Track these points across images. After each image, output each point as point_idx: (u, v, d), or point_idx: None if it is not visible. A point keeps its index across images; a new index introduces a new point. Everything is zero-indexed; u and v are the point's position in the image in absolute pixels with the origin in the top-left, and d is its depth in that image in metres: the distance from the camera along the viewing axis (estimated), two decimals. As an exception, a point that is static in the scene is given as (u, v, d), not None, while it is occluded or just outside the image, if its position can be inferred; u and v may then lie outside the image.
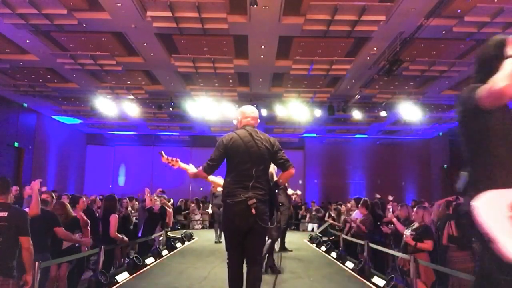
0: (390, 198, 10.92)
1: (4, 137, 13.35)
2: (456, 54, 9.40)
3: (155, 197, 8.51)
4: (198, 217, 13.70)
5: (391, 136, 19.07)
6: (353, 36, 8.47)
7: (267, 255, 5.82)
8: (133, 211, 9.17)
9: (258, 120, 3.58)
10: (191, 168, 3.53)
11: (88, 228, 6.14)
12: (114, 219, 6.06)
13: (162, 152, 3.66)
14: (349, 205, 9.99)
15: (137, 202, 9.91)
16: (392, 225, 6.79)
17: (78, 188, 17.75)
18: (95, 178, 18.86)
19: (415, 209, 5.76)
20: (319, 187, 19.66)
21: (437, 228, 5.80)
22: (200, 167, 3.40)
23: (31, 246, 3.29)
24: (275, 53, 9.56)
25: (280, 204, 7.61)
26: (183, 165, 3.56)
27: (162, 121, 16.70)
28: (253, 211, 3.13)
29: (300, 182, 19.46)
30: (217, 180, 3.72)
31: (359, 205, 7.95)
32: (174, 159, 3.60)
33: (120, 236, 6.18)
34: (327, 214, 12.16)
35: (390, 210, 8.53)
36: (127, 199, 8.77)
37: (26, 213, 3.41)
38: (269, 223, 3.32)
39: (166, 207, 8.52)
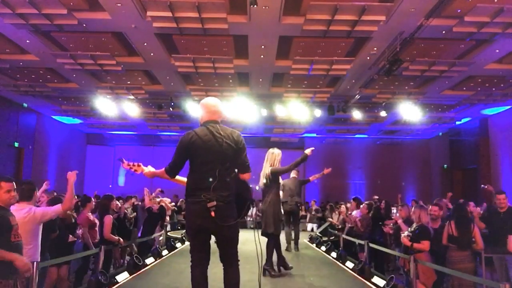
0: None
1: (4, 137, 13.35)
2: (456, 54, 9.39)
3: (154, 197, 8.51)
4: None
5: (391, 136, 19.06)
6: (353, 36, 8.47)
7: (277, 255, 5.81)
8: (134, 212, 9.17)
9: (222, 114, 3.36)
10: (150, 169, 3.42)
11: (96, 229, 6.16)
12: (108, 220, 6.03)
13: (123, 158, 3.45)
14: (348, 205, 10.00)
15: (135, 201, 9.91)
16: (392, 225, 6.79)
17: (78, 188, 17.73)
18: (95, 178, 18.86)
19: (413, 209, 5.76)
20: (319, 187, 19.65)
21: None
22: (163, 169, 3.28)
23: None
24: (275, 53, 9.55)
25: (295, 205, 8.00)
26: (146, 169, 3.42)
27: (162, 121, 16.70)
28: (212, 213, 2.99)
29: (300, 182, 19.41)
30: (184, 179, 3.51)
31: (362, 205, 7.98)
32: (135, 164, 3.44)
33: (116, 237, 6.15)
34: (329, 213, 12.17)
35: (394, 211, 8.52)
36: (117, 202, 8.72)
37: None
38: (234, 220, 3.11)
39: (165, 206, 8.54)
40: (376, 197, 9.93)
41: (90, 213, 6.12)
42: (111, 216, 6.11)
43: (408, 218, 6.06)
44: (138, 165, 3.43)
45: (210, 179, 3.04)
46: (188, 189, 3.15)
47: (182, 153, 3.18)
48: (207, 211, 2.99)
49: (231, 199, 3.12)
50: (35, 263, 3.62)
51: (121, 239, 6.28)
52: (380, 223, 7.28)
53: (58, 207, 3.98)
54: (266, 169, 5.78)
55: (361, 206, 8.08)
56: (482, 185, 8.12)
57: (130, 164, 3.42)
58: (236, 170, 3.23)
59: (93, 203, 6.39)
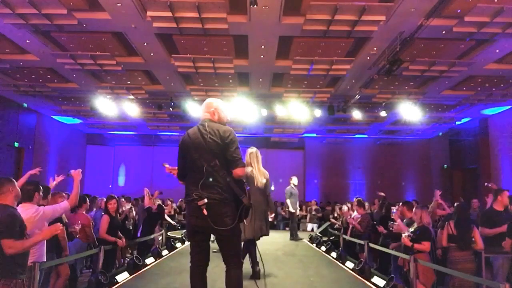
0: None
1: (4, 137, 13.35)
2: (456, 54, 9.40)
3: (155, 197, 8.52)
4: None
5: (391, 136, 19.06)
6: (353, 36, 8.47)
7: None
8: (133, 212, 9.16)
9: (218, 113, 3.30)
10: None
11: (91, 228, 6.17)
12: (104, 219, 6.01)
13: (165, 164, 3.53)
14: (349, 205, 9.98)
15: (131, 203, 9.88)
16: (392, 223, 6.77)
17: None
18: (95, 178, 18.86)
19: (413, 209, 5.76)
20: (319, 187, 19.66)
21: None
22: None
23: (12, 249, 3.02)
24: (275, 53, 9.55)
25: None
26: None
27: (162, 121, 16.70)
28: (204, 212, 2.94)
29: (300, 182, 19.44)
30: None
31: (356, 205, 7.97)
32: (174, 168, 3.48)
33: (113, 238, 6.07)
34: (334, 214, 12.18)
35: (394, 210, 8.52)
36: (124, 199, 8.76)
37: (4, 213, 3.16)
38: (231, 223, 3.02)
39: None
40: (383, 194, 9.84)
41: (84, 213, 6.12)
42: (107, 215, 6.09)
43: (410, 218, 6.05)
44: (176, 169, 3.45)
45: (199, 177, 3.04)
46: (185, 189, 3.18)
47: (179, 153, 3.25)
48: (199, 209, 2.97)
49: (225, 197, 3.03)
50: (36, 264, 3.64)
51: (120, 240, 6.17)
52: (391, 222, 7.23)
53: (65, 204, 4.04)
54: (263, 170, 5.58)
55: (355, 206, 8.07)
56: (486, 183, 8.09)
57: (171, 168, 3.49)
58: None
59: (88, 203, 6.38)
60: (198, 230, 3.11)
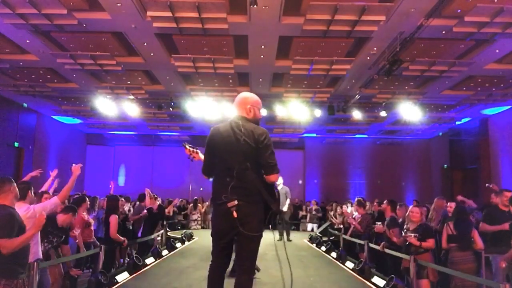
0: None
1: (4, 137, 13.35)
2: (456, 54, 9.39)
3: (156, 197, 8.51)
4: (195, 217, 13.71)
5: (391, 136, 19.06)
6: (353, 36, 8.47)
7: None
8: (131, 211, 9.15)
9: (251, 108, 3.14)
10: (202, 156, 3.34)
11: (91, 228, 6.17)
12: (114, 220, 6.05)
13: (185, 144, 3.40)
14: (348, 206, 9.98)
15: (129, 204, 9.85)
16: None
17: (78, 188, 17.71)
18: (95, 178, 18.85)
19: (410, 207, 5.75)
20: (319, 187, 19.66)
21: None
22: None
23: (5, 249, 3.00)
24: (275, 53, 9.55)
25: None
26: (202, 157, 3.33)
27: (162, 121, 16.69)
28: (235, 214, 2.80)
29: (300, 182, 19.46)
30: None
31: (356, 205, 7.97)
32: (195, 150, 3.42)
33: (122, 238, 6.17)
34: (332, 213, 12.16)
35: None
36: (123, 199, 8.75)
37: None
38: (257, 229, 2.90)
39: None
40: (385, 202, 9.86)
41: (84, 213, 6.12)
42: (117, 216, 6.13)
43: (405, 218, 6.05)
44: (196, 152, 3.42)
45: (229, 179, 2.87)
46: (212, 192, 3.03)
47: (207, 149, 3.07)
48: (228, 212, 2.83)
49: (254, 200, 2.90)
50: (35, 263, 3.64)
51: (126, 240, 6.30)
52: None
53: (55, 199, 4.02)
54: None
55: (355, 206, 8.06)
56: (487, 184, 8.06)
57: (192, 150, 3.41)
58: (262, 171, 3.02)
59: (88, 203, 6.39)
60: (225, 233, 2.97)
